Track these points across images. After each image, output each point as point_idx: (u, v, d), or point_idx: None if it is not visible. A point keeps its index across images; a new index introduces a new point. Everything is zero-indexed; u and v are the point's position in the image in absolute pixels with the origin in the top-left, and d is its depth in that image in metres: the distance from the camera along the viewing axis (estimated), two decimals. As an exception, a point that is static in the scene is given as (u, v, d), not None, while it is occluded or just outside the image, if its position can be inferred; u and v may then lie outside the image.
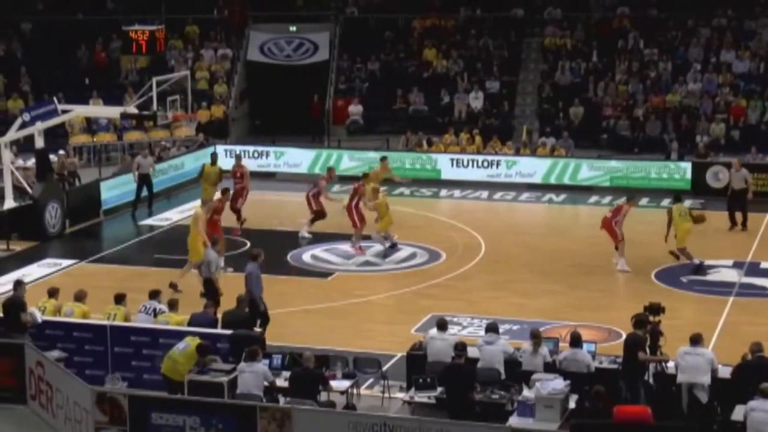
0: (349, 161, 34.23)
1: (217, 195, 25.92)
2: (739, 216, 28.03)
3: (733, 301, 22.47)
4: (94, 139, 37.50)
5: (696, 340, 16.34)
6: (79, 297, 19.13)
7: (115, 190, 31.09)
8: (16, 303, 18.45)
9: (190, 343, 16.92)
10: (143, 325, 18.57)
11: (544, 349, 16.86)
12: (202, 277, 21.62)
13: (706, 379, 16.02)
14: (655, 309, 17.37)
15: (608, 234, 24.94)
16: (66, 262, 25.85)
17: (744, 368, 15.97)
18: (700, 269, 24.44)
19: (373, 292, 23.39)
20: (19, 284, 19.19)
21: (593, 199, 31.65)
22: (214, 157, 30.23)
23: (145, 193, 30.84)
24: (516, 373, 16.64)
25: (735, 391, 15.71)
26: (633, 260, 25.22)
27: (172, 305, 18.80)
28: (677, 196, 26.26)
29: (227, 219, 26.42)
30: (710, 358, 16.16)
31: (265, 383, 16.27)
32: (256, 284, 19.91)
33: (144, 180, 30.76)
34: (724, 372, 16.35)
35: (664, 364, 16.60)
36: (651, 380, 16.57)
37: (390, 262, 25.64)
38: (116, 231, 29.27)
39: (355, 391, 17.34)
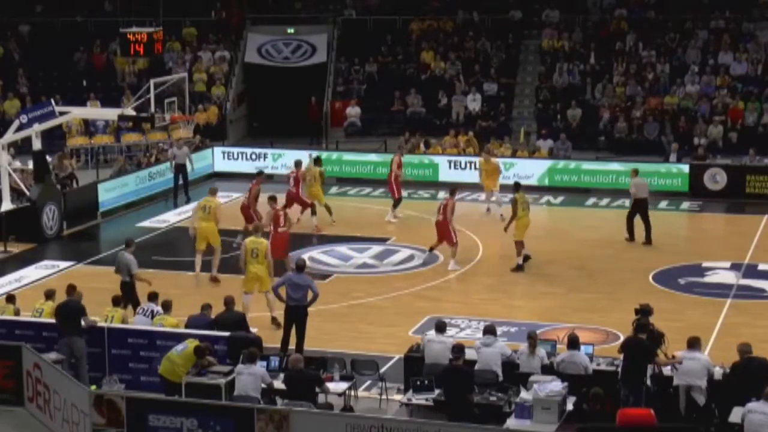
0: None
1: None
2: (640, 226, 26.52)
3: (730, 303, 22.44)
4: (92, 141, 37.47)
5: (693, 345, 16.32)
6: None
7: (113, 192, 31.12)
8: (75, 308, 18.15)
9: (189, 344, 16.91)
10: (140, 327, 18.58)
11: (541, 351, 16.86)
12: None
13: (703, 382, 16.02)
14: (646, 311, 17.36)
15: (443, 237, 24.86)
16: (63, 264, 25.80)
17: (735, 370, 15.96)
18: (519, 269, 24.49)
19: (371, 294, 23.37)
20: (72, 289, 18.65)
21: (591, 201, 31.65)
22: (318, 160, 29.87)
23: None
24: (513, 375, 16.64)
25: (728, 393, 15.70)
26: (631, 262, 25.24)
27: (167, 307, 18.79)
28: (517, 183, 25.87)
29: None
30: (705, 364, 16.13)
31: (263, 385, 16.26)
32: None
33: (180, 170, 32.16)
34: (720, 374, 16.37)
35: (674, 365, 16.58)
36: (648, 382, 16.55)
37: (388, 264, 25.62)
38: (114, 233, 29.21)
39: (352, 393, 17.33)
